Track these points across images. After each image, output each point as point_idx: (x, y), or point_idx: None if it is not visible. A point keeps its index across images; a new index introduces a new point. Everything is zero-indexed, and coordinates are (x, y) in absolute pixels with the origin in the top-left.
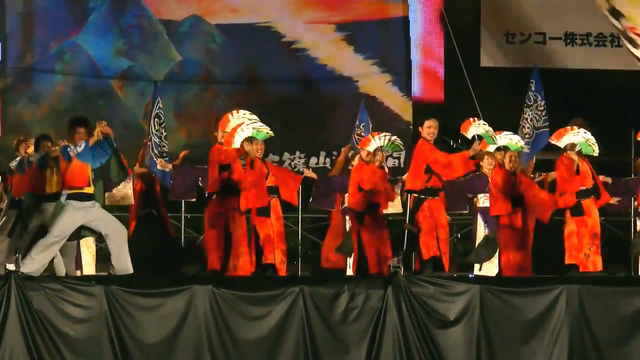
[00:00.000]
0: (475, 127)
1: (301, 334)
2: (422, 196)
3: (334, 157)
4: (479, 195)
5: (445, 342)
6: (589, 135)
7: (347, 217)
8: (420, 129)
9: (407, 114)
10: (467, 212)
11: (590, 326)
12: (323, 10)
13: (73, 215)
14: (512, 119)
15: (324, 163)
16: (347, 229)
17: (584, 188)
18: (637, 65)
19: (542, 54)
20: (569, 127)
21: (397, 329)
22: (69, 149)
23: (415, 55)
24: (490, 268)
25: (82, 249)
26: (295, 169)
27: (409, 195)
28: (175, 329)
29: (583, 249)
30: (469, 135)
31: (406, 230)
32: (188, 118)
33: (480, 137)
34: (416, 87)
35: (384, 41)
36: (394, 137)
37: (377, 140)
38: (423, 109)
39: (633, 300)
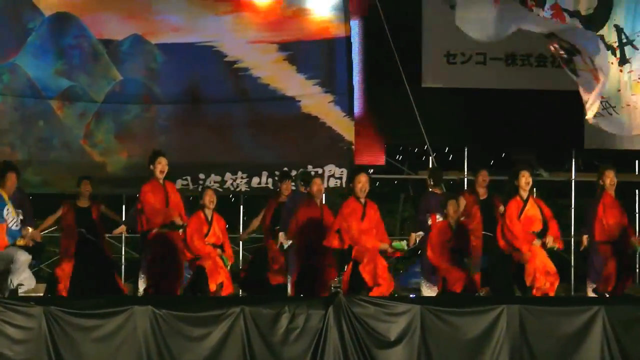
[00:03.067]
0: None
1: (242, 354)
2: None
3: (276, 178)
4: (437, 216)
5: None
6: None
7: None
8: (351, 184)
9: (349, 134)
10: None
11: (530, 346)
12: (265, 30)
13: None
14: (453, 138)
15: (266, 183)
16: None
17: (531, 232)
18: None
19: (483, 74)
20: None
21: (338, 349)
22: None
23: (357, 76)
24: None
25: None
26: (237, 189)
27: None
28: (115, 350)
29: (538, 283)
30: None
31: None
32: (129, 138)
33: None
34: (358, 108)
35: (326, 61)
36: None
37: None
38: (365, 129)
39: (572, 320)
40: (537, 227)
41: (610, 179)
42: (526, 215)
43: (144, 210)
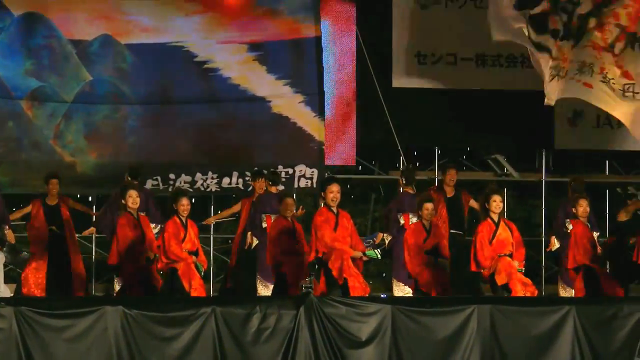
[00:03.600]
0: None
1: (213, 354)
2: None
3: (247, 178)
4: (410, 215)
5: None
6: None
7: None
8: (322, 194)
9: (319, 134)
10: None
11: (501, 346)
12: (235, 30)
13: None
14: (424, 138)
15: (237, 184)
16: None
17: (501, 255)
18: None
19: (453, 74)
20: None
21: (309, 350)
22: None
23: (328, 76)
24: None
25: None
26: (208, 189)
27: None
28: (85, 350)
29: (517, 293)
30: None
31: None
32: (98, 138)
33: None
34: (328, 108)
35: (296, 61)
36: None
37: None
38: (335, 129)
39: (543, 321)
40: (509, 249)
41: (583, 208)
42: (498, 239)
43: (118, 243)
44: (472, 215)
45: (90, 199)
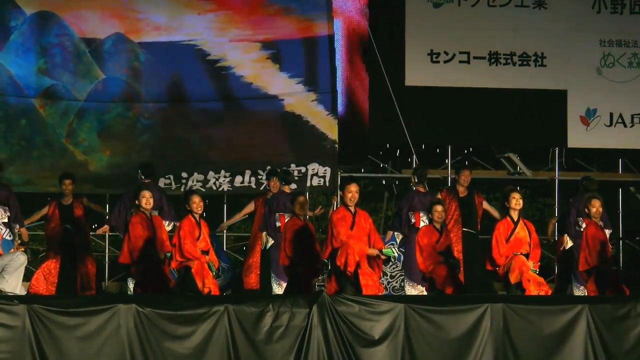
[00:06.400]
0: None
1: (226, 352)
2: None
3: (259, 177)
4: (420, 214)
5: None
6: None
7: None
8: (341, 193)
9: (332, 133)
10: None
11: (514, 344)
12: (248, 29)
13: None
14: (437, 136)
15: (249, 182)
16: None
17: (517, 253)
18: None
19: (466, 73)
20: None
21: (322, 348)
22: None
23: (341, 74)
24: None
25: None
26: (220, 188)
27: None
28: (98, 348)
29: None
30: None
31: None
32: (111, 137)
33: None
34: (341, 106)
35: (309, 59)
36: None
37: None
38: (348, 128)
39: (556, 319)
40: (525, 249)
41: (595, 208)
42: (515, 237)
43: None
44: (486, 216)
45: (106, 196)
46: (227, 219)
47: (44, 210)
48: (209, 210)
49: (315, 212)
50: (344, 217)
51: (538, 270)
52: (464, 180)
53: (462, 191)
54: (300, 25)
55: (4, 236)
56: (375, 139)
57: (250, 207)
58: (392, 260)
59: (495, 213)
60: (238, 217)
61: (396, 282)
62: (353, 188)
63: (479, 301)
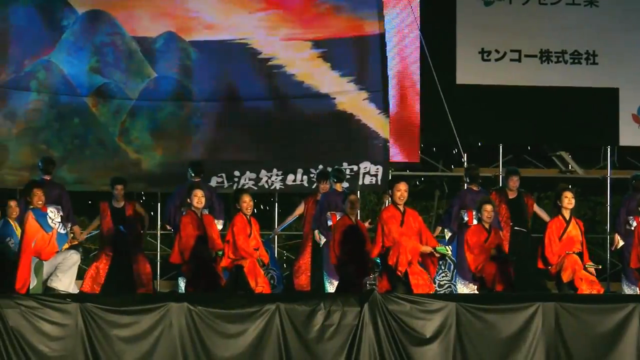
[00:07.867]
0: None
1: (277, 351)
2: None
3: (311, 175)
4: (473, 212)
5: (421, 359)
6: None
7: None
8: (390, 192)
9: (384, 131)
10: None
11: (566, 344)
12: (299, 27)
13: None
14: (488, 135)
15: (301, 180)
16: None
17: (569, 252)
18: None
19: (517, 71)
20: None
21: (373, 346)
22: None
23: (392, 72)
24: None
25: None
26: (272, 187)
27: None
28: (150, 347)
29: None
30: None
31: None
32: (163, 136)
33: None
34: (392, 104)
35: (361, 58)
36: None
37: None
38: (399, 126)
39: (608, 318)
40: (578, 248)
41: None
42: (568, 236)
43: (181, 241)
44: (537, 217)
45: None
46: (277, 222)
47: (96, 223)
48: (259, 210)
49: (366, 224)
50: (393, 215)
51: (600, 267)
52: (513, 185)
53: (511, 194)
54: (350, 24)
55: (58, 230)
56: (426, 137)
57: (300, 209)
58: (447, 259)
59: (545, 216)
60: (289, 219)
61: (445, 291)
62: (402, 187)
63: (530, 300)
